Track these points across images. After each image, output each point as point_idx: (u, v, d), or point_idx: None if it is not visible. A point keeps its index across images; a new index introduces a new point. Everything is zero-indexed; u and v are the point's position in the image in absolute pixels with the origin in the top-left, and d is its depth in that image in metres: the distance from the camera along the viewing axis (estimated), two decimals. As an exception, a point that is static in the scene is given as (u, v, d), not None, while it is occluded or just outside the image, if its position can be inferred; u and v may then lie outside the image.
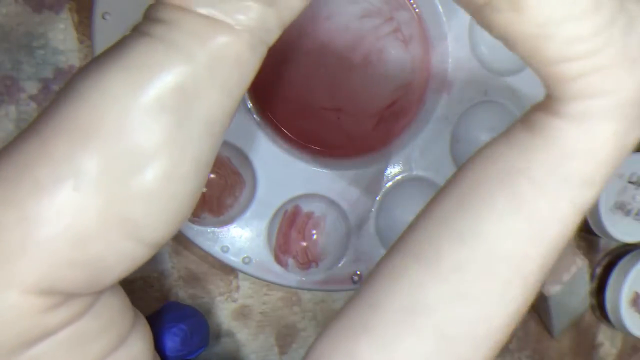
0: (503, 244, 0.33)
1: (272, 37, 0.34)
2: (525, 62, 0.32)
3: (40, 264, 0.31)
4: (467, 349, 0.34)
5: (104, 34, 0.48)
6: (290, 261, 0.52)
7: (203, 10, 0.32)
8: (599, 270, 0.64)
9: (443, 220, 0.35)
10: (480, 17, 0.32)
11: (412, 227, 0.36)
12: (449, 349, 0.33)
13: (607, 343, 0.66)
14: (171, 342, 0.47)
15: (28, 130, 0.32)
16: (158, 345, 0.47)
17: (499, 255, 0.33)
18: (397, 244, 0.36)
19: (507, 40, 0.32)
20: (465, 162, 0.36)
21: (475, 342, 0.34)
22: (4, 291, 0.31)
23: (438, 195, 0.36)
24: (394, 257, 0.36)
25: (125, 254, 0.33)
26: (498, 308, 0.34)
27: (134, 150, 0.31)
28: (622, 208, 0.60)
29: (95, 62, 0.32)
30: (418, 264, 0.34)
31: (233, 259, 0.51)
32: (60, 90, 0.33)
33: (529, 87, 0.55)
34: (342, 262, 0.53)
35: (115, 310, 0.37)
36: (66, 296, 0.33)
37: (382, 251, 0.53)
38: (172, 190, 0.32)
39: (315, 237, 0.52)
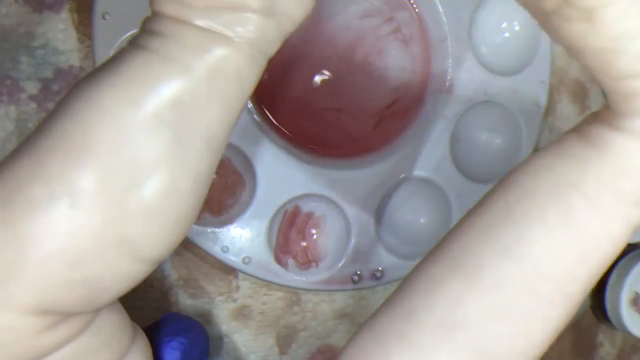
0: (549, 262, 0.32)
1: (273, 48, 0.33)
2: (590, 72, 0.31)
3: (36, 284, 0.30)
4: None
5: (104, 34, 0.48)
6: (290, 261, 0.52)
7: (201, 23, 0.31)
8: (599, 270, 0.64)
9: (487, 232, 0.33)
10: (548, 25, 0.30)
11: (452, 234, 0.34)
12: None
13: (607, 343, 0.66)
14: (170, 356, 0.47)
15: (22, 147, 0.31)
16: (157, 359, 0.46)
17: (544, 273, 0.32)
18: (435, 251, 0.35)
19: (574, 51, 0.30)
20: (512, 171, 0.34)
21: (513, 359, 0.32)
22: (0, 312, 0.30)
23: (481, 204, 0.34)
24: (432, 265, 0.34)
25: (123, 273, 0.32)
26: (538, 326, 0.32)
27: (131, 167, 0.30)
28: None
29: (91, 76, 0.32)
30: (457, 276, 0.32)
31: (233, 259, 0.51)
32: (55, 105, 0.32)
33: (529, 87, 0.55)
34: (342, 262, 0.53)
35: (115, 327, 0.36)
36: (64, 315, 0.32)
37: (382, 251, 0.53)
38: (171, 208, 0.31)
39: (315, 237, 0.52)
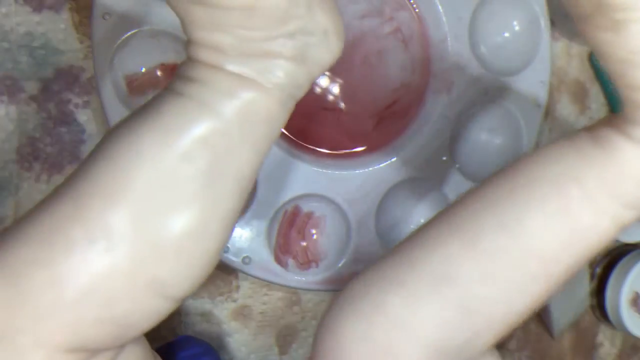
0: (540, 243, 0.35)
1: (302, 92, 0.35)
2: (611, 79, 0.33)
3: (68, 324, 0.31)
4: (482, 325, 0.36)
5: (104, 34, 0.48)
6: (290, 261, 0.52)
7: (234, 69, 0.32)
8: (599, 270, 0.64)
9: (491, 205, 0.36)
10: (583, 28, 0.33)
11: (460, 202, 0.38)
12: (466, 320, 0.36)
13: (607, 343, 0.66)
14: None
15: (60, 190, 0.33)
16: None
17: (533, 251, 0.35)
18: (442, 213, 0.38)
19: (599, 56, 0.33)
20: (523, 157, 0.38)
21: (492, 320, 0.36)
22: (33, 352, 0.31)
23: (490, 181, 0.38)
24: (437, 226, 0.38)
25: (151, 310, 0.33)
26: (519, 297, 0.36)
27: (165, 210, 0.32)
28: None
29: (127, 122, 0.33)
30: (457, 238, 0.36)
31: (233, 259, 0.51)
32: (93, 149, 0.33)
33: (529, 87, 0.55)
34: (342, 262, 0.53)
35: (138, 359, 0.37)
36: (92, 352, 0.33)
37: (382, 251, 0.53)
38: (200, 248, 0.33)
39: (315, 237, 0.52)
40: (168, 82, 0.34)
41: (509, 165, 0.38)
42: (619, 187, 0.34)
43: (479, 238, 0.36)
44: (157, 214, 0.31)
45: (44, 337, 0.31)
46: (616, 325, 0.62)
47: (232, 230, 0.35)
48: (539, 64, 0.55)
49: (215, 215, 0.33)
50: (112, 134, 0.33)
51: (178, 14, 0.32)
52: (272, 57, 0.32)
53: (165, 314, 0.34)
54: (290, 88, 0.34)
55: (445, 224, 0.37)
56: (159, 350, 0.43)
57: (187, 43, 0.33)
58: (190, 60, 0.33)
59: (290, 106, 0.35)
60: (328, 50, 0.34)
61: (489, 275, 0.35)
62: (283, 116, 0.34)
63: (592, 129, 0.36)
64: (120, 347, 0.35)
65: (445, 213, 0.38)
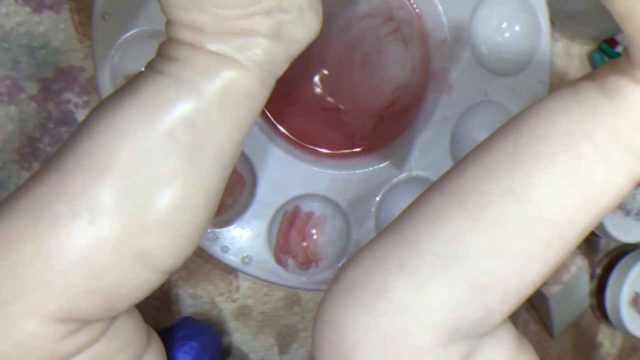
0: (552, 207, 0.32)
1: (280, 69, 0.35)
2: (617, 22, 0.31)
3: (57, 294, 0.32)
4: (495, 301, 0.33)
5: (104, 34, 0.48)
6: (290, 261, 0.52)
7: (213, 47, 0.33)
8: (599, 270, 0.64)
9: (493, 171, 0.33)
10: None
11: (458, 168, 0.35)
12: (478, 299, 0.33)
13: (607, 343, 0.66)
14: None
15: (46, 166, 0.33)
16: None
17: (545, 217, 0.32)
18: (440, 182, 0.35)
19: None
20: (524, 111, 0.35)
21: (505, 295, 0.33)
22: (24, 320, 0.32)
23: (489, 141, 0.35)
24: (437, 197, 0.35)
25: (139, 282, 0.34)
26: (533, 266, 0.33)
27: (147, 184, 0.32)
28: (622, 208, 0.60)
29: (110, 99, 0.34)
30: (461, 211, 0.33)
31: (233, 259, 0.51)
32: (77, 127, 0.34)
33: (529, 87, 0.55)
34: (342, 262, 0.53)
35: (131, 331, 0.38)
36: (84, 322, 0.34)
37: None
38: (184, 221, 0.34)
39: (315, 237, 0.52)
40: (148, 62, 0.35)
41: (507, 123, 0.35)
42: (631, 137, 0.31)
43: (484, 208, 0.33)
44: (139, 188, 0.32)
45: (34, 306, 0.32)
46: (616, 325, 0.62)
47: (215, 206, 0.35)
48: (539, 64, 0.55)
49: (197, 190, 0.33)
50: (95, 111, 0.34)
51: None
52: (249, 35, 0.33)
53: (155, 286, 0.35)
54: (268, 65, 0.34)
55: (445, 195, 0.34)
56: (160, 334, 0.43)
57: (166, 23, 0.34)
58: (169, 39, 0.34)
59: (270, 83, 0.35)
60: (305, 26, 0.34)
61: (499, 248, 0.33)
62: (263, 93, 0.35)
63: (596, 77, 0.33)
64: (112, 318, 0.36)
65: (443, 182, 0.35)
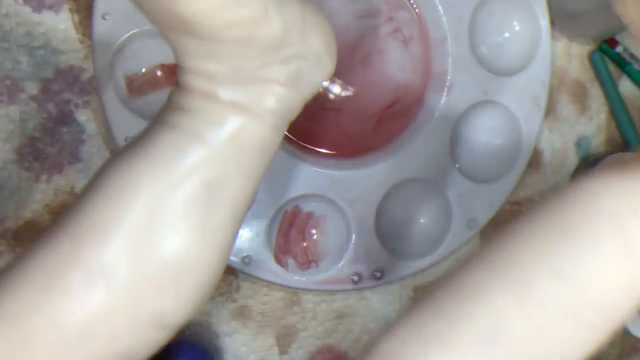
0: (599, 290, 0.31)
1: (295, 114, 0.34)
2: (629, 29, 0.31)
3: None
4: None
5: (104, 34, 0.48)
6: (290, 261, 0.52)
7: (227, 97, 0.32)
8: (599, 270, 0.64)
9: (539, 247, 0.32)
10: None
11: (500, 242, 0.34)
12: None
13: (607, 343, 0.66)
14: None
15: (57, 229, 0.32)
16: None
17: (592, 300, 0.31)
18: (481, 256, 0.34)
19: (631, 29, 0.31)
20: (571, 185, 0.33)
21: None
22: None
23: (534, 216, 0.33)
24: (478, 272, 0.33)
25: (151, 342, 0.33)
26: (575, 349, 0.32)
27: (163, 247, 0.31)
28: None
29: (120, 157, 0.33)
30: (503, 287, 0.32)
31: (233, 259, 0.51)
32: (86, 186, 0.33)
33: (529, 87, 0.55)
34: (342, 262, 0.53)
35: None
36: None
37: (382, 251, 0.53)
38: (198, 277, 0.33)
39: (315, 237, 0.52)
40: (159, 110, 0.34)
41: (556, 196, 0.33)
42: None
43: (530, 288, 0.31)
44: (153, 251, 0.31)
45: None
46: (616, 325, 0.62)
47: (227, 257, 0.35)
48: (539, 64, 0.55)
49: (212, 245, 0.33)
50: (105, 168, 0.33)
51: (170, 43, 0.32)
52: (266, 84, 0.32)
53: (165, 341, 0.34)
54: (283, 112, 0.33)
55: (487, 270, 0.33)
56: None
57: (179, 70, 0.32)
58: (182, 87, 0.33)
59: (283, 130, 0.34)
60: (321, 71, 0.34)
61: (542, 329, 0.31)
62: (276, 140, 0.34)
63: None
64: None
65: (485, 255, 0.33)
